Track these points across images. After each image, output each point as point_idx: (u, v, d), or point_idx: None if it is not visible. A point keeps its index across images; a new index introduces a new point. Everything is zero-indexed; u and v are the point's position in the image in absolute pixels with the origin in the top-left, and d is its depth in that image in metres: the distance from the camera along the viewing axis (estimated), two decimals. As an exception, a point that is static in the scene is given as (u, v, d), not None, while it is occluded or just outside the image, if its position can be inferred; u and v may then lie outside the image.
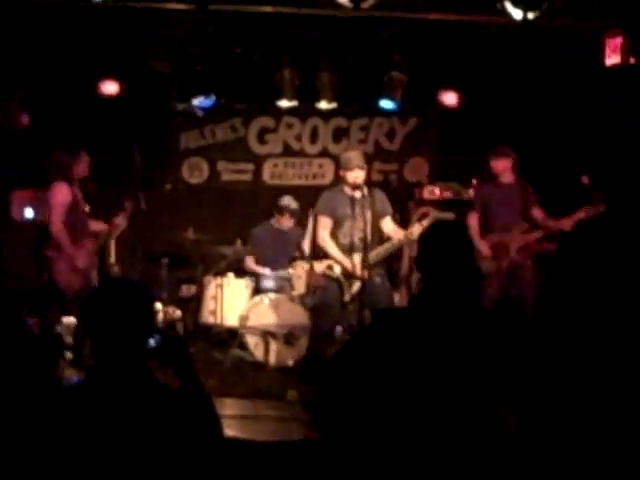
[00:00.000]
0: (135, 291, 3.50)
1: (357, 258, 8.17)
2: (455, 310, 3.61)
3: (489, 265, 8.80)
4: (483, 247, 8.87)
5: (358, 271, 8.08)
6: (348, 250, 8.32)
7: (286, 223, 10.24)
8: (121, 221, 8.89)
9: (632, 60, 8.52)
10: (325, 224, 8.41)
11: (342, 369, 3.69)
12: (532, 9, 7.28)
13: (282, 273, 9.74)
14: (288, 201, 10.24)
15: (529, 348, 3.73)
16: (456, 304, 3.63)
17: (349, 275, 8.27)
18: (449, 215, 8.31)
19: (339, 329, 9.06)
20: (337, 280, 8.36)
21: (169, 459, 3.28)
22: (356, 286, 8.22)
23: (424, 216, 8.19)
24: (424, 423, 3.50)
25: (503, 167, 9.04)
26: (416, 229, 8.00)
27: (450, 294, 3.63)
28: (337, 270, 8.34)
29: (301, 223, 9.78)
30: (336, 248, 8.36)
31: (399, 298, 9.85)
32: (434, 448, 3.47)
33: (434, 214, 8.19)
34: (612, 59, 8.61)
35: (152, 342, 3.49)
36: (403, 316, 3.73)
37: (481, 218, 9.12)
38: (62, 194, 8.24)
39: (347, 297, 8.34)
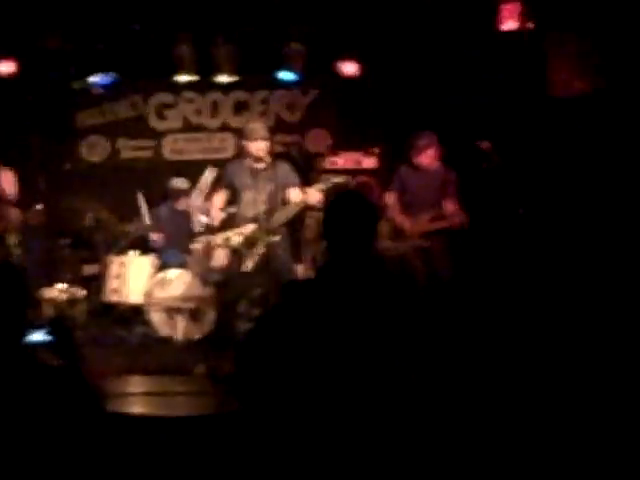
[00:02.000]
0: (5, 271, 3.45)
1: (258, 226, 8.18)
2: (359, 280, 3.65)
3: (390, 245, 8.81)
4: (405, 223, 8.87)
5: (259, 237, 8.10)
6: (251, 221, 8.25)
7: (181, 204, 10.10)
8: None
9: (530, 25, 8.65)
10: (219, 194, 8.43)
11: (257, 345, 3.72)
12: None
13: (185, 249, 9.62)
14: (176, 183, 10.18)
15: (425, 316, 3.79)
16: (360, 273, 3.66)
17: (249, 243, 8.19)
18: (344, 179, 8.25)
19: (244, 302, 9.01)
20: (237, 251, 8.29)
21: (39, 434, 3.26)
22: (257, 253, 8.15)
23: (318, 180, 8.17)
24: (333, 390, 3.53)
25: (431, 161, 8.90)
26: (311, 192, 8.02)
27: (355, 263, 3.67)
28: (236, 240, 8.26)
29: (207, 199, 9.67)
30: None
31: (302, 269, 9.81)
32: (344, 413, 3.52)
33: (326, 177, 8.17)
34: (508, 24, 8.72)
35: (40, 337, 3.44)
36: (311, 288, 3.76)
37: (399, 198, 9.06)
38: None
39: (247, 266, 8.20)
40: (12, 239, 8.69)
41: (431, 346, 3.75)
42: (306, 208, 8.49)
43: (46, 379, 3.34)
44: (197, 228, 9.15)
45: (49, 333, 3.52)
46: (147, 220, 9.97)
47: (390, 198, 9.06)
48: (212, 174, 8.86)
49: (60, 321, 3.74)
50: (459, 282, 8.56)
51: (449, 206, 8.89)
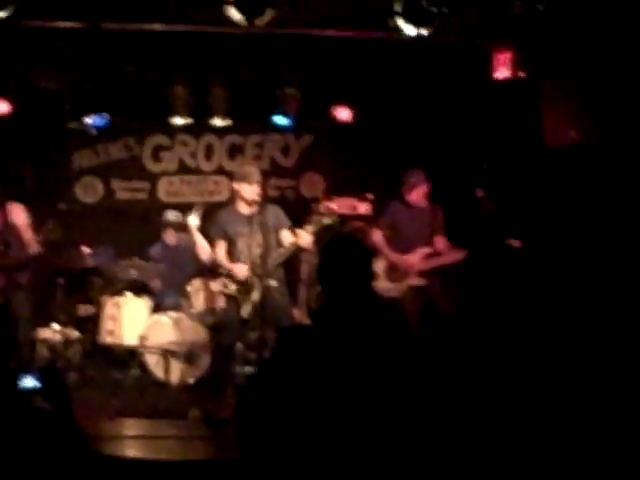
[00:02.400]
0: None
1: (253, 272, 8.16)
2: (354, 326, 3.67)
3: (390, 287, 8.82)
4: (404, 259, 8.85)
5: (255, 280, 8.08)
6: (246, 266, 8.19)
7: (171, 238, 10.17)
8: None
9: (521, 74, 8.71)
10: (219, 245, 8.36)
11: (258, 392, 3.73)
12: (424, 25, 7.34)
13: (180, 291, 9.64)
14: (169, 215, 10.23)
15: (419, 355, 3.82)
16: (355, 319, 3.69)
17: (246, 289, 8.18)
18: (334, 220, 8.23)
19: (240, 346, 8.99)
20: (234, 297, 8.27)
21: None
22: (253, 298, 8.12)
23: (309, 222, 8.15)
24: (333, 437, 3.54)
25: (420, 197, 8.92)
26: (302, 235, 8.02)
27: (349, 308, 3.70)
28: (232, 286, 8.25)
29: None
30: (227, 261, 8.32)
31: (298, 312, 9.79)
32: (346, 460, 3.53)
33: (316, 218, 8.15)
34: (501, 72, 8.78)
35: (31, 383, 3.44)
36: (308, 334, 3.78)
37: (386, 236, 9.03)
38: None
39: (244, 312, 8.18)
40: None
41: (429, 393, 3.76)
42: (299, 250, 8.48)
43: (36, 424, 3.34)
44: (194, 268, 9.19)
45: (39, 380, 3.51)
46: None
47: (377, 235, 9.03)
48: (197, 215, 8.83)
49: (51, 368, 3.75)
50: (463, 321, 8.58)
51: (440, 243, 8.93)
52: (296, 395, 3.61)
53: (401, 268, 8.87)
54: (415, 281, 8.83)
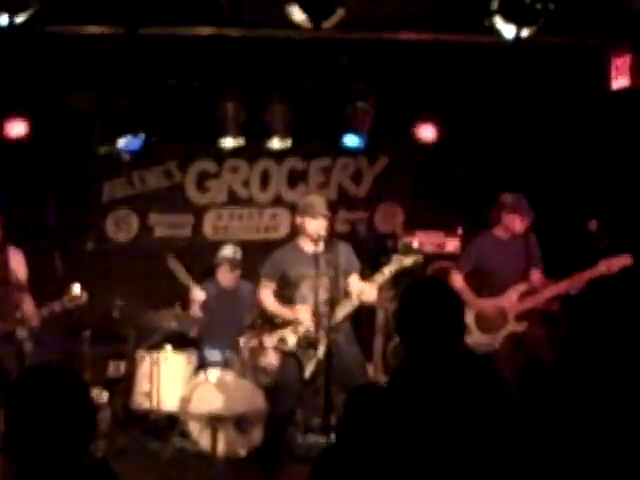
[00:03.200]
0: (65, 382, 3.39)
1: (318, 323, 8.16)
2: (444, 385, 3.71)
3: (484, 339, 8.79)
4: (495, 304, 8.83)
5: (320, 333, 8.09)
6: (309, 317, 8.21)
7: (227, 278, 10.16)
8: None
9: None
10: (266, 286, 8.44)
11: (337, 467, 3.78)
12: (525, 25, 7.33)
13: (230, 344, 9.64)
14: (227, 250, 10.20)
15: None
16: (445, 376, 3.73)
17: (308, 344, 8.23)
18: (416, 258, 8.15)
19: (300, 411, 9.04)
20: (294, 355, 8.30)
21: None
22: (319, 355, 8.16)
23: (385, 262, 8.14)
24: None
25: (520, 227, 8.90)
26: (367, 289, 8.08)
27: (438, 364, 3.74)
28: (292, 341, 8.27)
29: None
30: (279, 305, 8.41)
31: (371, 369, 9.78)
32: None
33: (396, 258, 8.13)
34: (619, 81, 8.76)
35: None
36: (386, 396, 3.84)
37: (469, 277, 9.02)
38: None
39: (308, 374, 8.20)
40: (22, 332, 8.73)
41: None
42: (363, 305, 8.45)
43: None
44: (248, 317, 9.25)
45: None
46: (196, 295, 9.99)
47: (458, 280, 8.98)
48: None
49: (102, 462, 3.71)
50: (565, 374, 8.56)
51: (536, 277, 8.89)
52: (382, 470, 3.65)
53: (494, 314, 8.83)
54: (514, 327, 8.77)
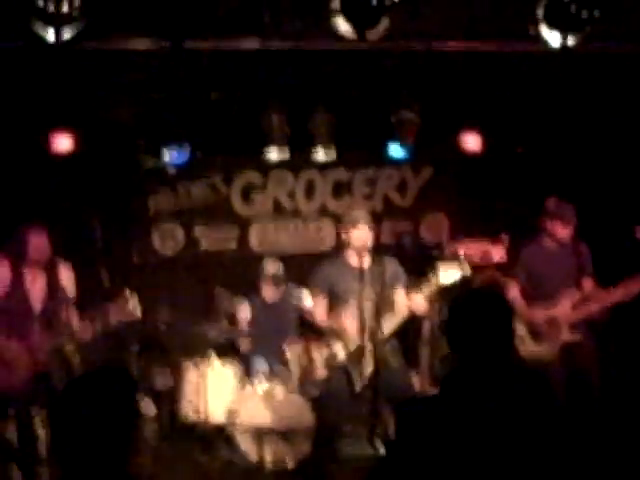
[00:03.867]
0: (117, 383, 3.48)
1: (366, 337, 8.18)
2: (496, 395, 3.68)
3: (537, 349, 8.73)
4: (544, 314, 8.77)
5: (368, 347, 8.11)
6: (356, 330, 8.27)
7: (271, 295, 10.23)
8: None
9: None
10: (319, 299, 8.50)
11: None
12: (573, 32, 7.30)
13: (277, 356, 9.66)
14: (269, 267, 10.25)
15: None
16: (497, 386, 3.70)
17: (357, 358, 8.28)
18: (464, 268, 8.12)
19: (348, 423, 9.03)
20: (344, 368, 8.36)
21: None
22: (367, 371, 8.21)
23: (433, 273, 8.14)
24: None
25: (562, 233, 8.89)
26: (416, 299, 8.15)
27: (488, 374, 3.71)
28: (341, 355, 8.35)
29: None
30: (329, 321, 8.47)
31: (419, 381, 9.82)
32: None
33: (443, 268, 8.13)
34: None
35: None
36: (435, 408, 3.79)
37: (522, 287, 9.00)
38: None
39: (358, 387, 8.28)
40: (70, 346, 8.76)
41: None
42: (412, 317, 8.50)
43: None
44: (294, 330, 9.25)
45: None
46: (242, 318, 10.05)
47: (514, 290, 8.95)
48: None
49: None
50: (610, 390, 8.49)
51: (588, 285, 8.83)
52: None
53: (548, 323, 8.77)
54: (568, 336, 8.73)
